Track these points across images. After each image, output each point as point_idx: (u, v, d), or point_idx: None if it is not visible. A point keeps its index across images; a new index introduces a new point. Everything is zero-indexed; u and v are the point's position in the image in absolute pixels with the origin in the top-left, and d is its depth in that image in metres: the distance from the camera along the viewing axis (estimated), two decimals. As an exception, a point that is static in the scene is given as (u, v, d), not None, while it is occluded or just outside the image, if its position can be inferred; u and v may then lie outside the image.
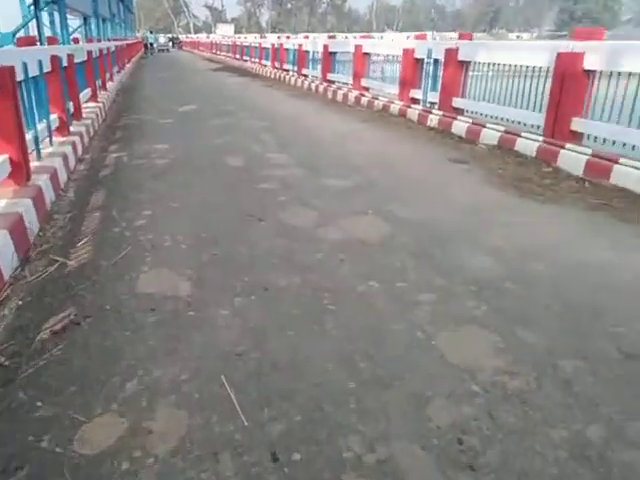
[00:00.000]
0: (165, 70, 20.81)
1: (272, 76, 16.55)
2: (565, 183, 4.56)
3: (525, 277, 2.80)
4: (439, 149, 6.17)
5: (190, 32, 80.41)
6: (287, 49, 15.93)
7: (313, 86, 12.57)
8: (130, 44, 26.54)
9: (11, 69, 3.80)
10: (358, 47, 10.39)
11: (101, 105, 8.85)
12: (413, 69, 8.37)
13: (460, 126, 6.76)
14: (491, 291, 2.64)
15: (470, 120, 6.68)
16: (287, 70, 15.82)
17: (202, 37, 54.42)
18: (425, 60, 8.04)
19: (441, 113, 7.31)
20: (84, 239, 3.48)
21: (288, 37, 19.01)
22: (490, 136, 6.11)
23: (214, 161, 5.64)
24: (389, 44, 9.77)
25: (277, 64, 16.84)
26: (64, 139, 5.72)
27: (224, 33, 70.69)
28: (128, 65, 21.33)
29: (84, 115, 7.35)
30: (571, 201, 4.09)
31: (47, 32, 13.85)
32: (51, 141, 5.29)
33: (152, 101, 11.00)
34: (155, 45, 40.33)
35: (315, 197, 4.32)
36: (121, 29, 36.92)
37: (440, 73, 7.74)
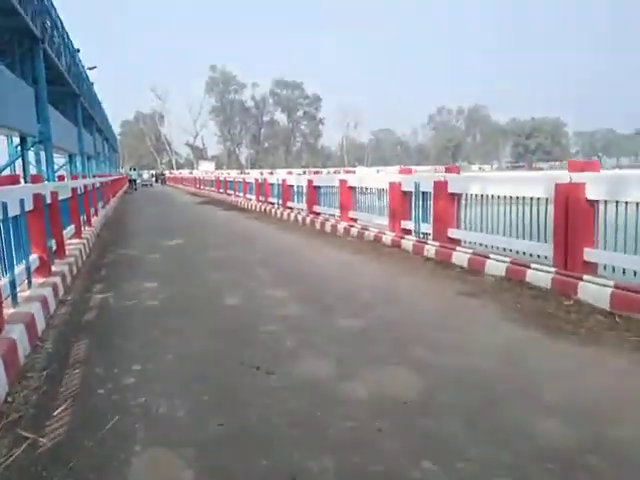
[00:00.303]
0: (151, 205, 21.16)
1: (257, 209, 16.84)
2: (593, 318, 4.24)
3: (611, 448, 2.31)
4: (445, 282, 5.90)
5: (173, 168, 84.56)
6: (271, 183, 16.41)
7: (300, 218, 12.67)
8: (115, 180, 27.33)
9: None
10: (343, 181, 10.64)
11: (85, 241, 8.57)
12: (401, 201, 8.45)
13: (461, 257, 6.60)
14: (579, 472, 2.13)
15: (470, 251, 6.54)
16: (272, 203, 16.14)
17: (185, 173, 57.09)
18: (413, 192, 8.14)
19: (437, 244, 7.20)
20: (62, 406, 2.90)
21: (271, 173, 19.82)
22: (496, 267, 5.92)
23: (208, 300, 5.22)
24: (375, 178, 10.06)
25: (262, 197, 17.24)
26: (44, 280, 5.29)
27: (206, 169, 74.64)
28: (113, 199, 21.67)
29: (67, 252, 7.01)
30: (612, 341, 3.73)
31: (32, 170, 14.06)
32: (30, 283, 4.84)
33: (139, 236, 10.83)
34: (139, 181, 41.79)
35: (327, 341, 3.87)
36: (105, 166, 38.47)
37: (430, 205, 7.80)
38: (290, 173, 16.87)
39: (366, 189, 9.99)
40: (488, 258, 6.18)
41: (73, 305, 5.18)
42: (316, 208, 12.36)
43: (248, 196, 19.41)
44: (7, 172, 15.66)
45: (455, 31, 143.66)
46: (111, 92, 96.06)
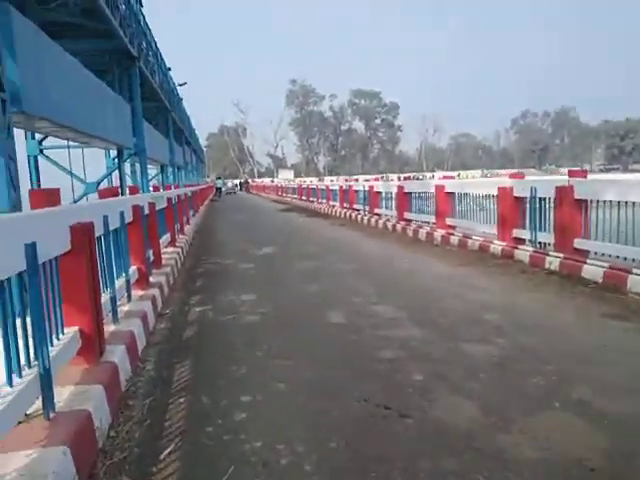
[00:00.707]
0: (237, 212, 21.41)
1: (341, 215, 16.43)
2: None
3: None
4: (579, 300, 5.06)
5: (254, 176, 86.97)
6: (357, 190, 15.94)
7: (389, 225, 12.07)
8: (203, 188, 28.13)
9: (89, 226, 3.21)
10: (440, 187, 9.91)
11: (179, 250, 8.50)
12: (513, 208, 7.61)
13: (593, 271, 5.70)
14: None
15: (606, 264, 5.62)
16: (357, 210, 15.66)
17: (267, 181, 58.29)
18: (528, 198, 7.29)
19: (562, 255, 6.31)
20: (168, 447, 2.52)
21: (357, 179, 19.33)
22: (643, 284, 5.00)
23: (311, 317, 4.76)
24: (480, 183, 9.21)
25: (346, 204, 16.81)
26: (143, 292, 5.09)
27: (285, 177, 76.02)
28: (201, 207, 22.19)
29: (163, 262, 6.88)
30: None
31: (128, 181, 14.55)
32: (129, 297, 4.63)
33: (229, 244, 10.72)
34: (224, 189, 43.06)
35: (462, 375, 3.25)
36: (193, 176, 40.04)
37: (549, 212, 6.93)
38: (378, 179, 16.29)
39: (466, 195, 9.19)
40: (630, 273, 5.25)
41: (172, 320, 4.92)
42: (407, 215, 11.69)
43: (331, 203, 19.07)
44: (105, 183, 16.44)
45: (538, 31, 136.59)
46: (198, 106, 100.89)
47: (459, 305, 4.98)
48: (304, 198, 25.01)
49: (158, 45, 18.89)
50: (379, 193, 13.94)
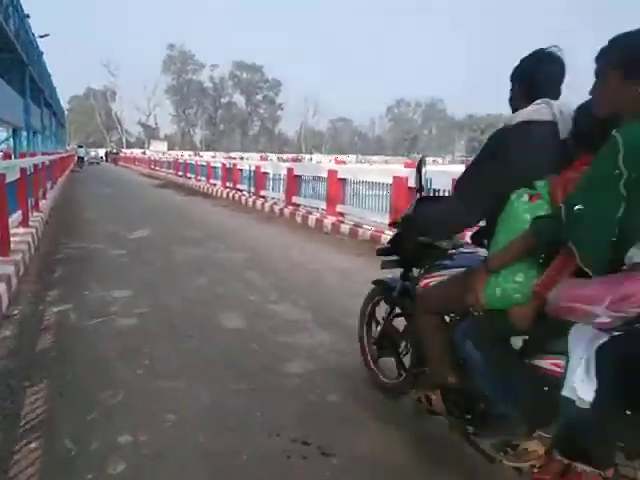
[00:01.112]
0: (103, 186, 19.31)
1: (224, 196, 15.56)
2: None
3: None
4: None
5: (123, 146, 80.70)
6: (241, 169, 15.19)
7: (277, 209, 11.57)
8: (63, 157, 25.13)
9: None
10: (332, 172, 9.64)
11: (33, 230, 7.18)
12: (408, 198, 7.55)
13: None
14: None
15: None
16: (241, 190, 14.94)
17: (137, 152, 54.28)
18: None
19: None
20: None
21: (241, 157, 18.49)
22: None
23: (201, 320, 4.12)
24: (374, 171, 9.06)
25: (229, 184, 15.98)
26: (-17, 289, 4.03)
27: (157, 149, 71.48)
28: (61, 179, 19.73)
29: (12, 247, 5.67)
30: None
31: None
32: (-37, 297, 3.59)
33: (95, 224, 9.40)
34: (86, 159, 39.09)
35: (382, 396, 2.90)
36: (51, 142, 35.66)
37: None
38: (264, 159, 15.68)
39: (359, 182, 9.01)
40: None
41: (21, 324, 3.94)
42: (296, 199, 11.31)
43: (212, 181, 18.08)
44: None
45: (419, 23, 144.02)
46: (60, 64, 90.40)
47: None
48: (180, 174, 23.50)
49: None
50: (266, 174, 13.37)
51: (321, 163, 11.85)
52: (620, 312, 1.36)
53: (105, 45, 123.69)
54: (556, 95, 1.93)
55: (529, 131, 1.87)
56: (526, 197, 1.74)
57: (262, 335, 3.80)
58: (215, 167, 18.25)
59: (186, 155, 41.52)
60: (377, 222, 8.28)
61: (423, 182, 2.54)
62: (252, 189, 13.94)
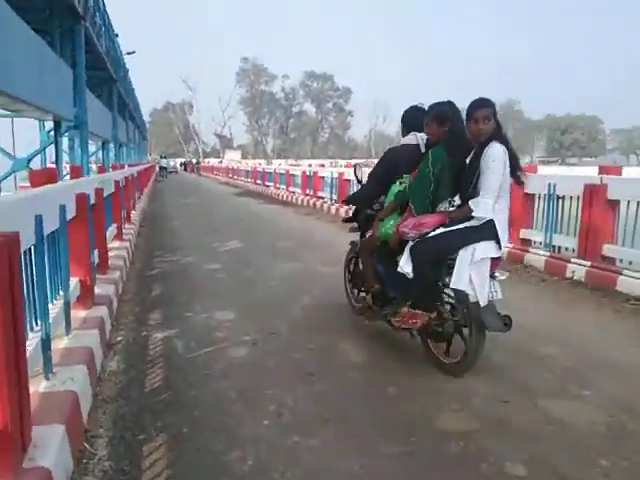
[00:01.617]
0: (185, 195, 19.65)
1: (304, 203, 15.23)
2: None
3: None
4: (631, 322, 4.20)
5: (200, 156, 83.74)
6: (323, 177, 14.77)
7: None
8: (147, 168, 26.04)
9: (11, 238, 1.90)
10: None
11: (127, 244, 7.04)
12: (522, 206, 6.71)
13: (633, 284, 4.86)
14: None
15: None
16: (322, 198, 14.52)
17: (214, 162, 55.90)
18: (541, 196, 6.44)
19: (588, 263, 5.46)
20: None
21: (322, 165, 18.10)
22: None
23: (319, 352, 3.60)
24: None
25: (309, 191, 15.62)
26: (86, 313, 3.73)
27: (232, 157, 73.42)
28: (146, 189, 20.30)
29: (110, 263, 5.47)
30: None
31: (64, 157, 12.72)
32: (68, 327, 3.26)
33: (184, 235, 9.27)
34: (168, 169, 40.81)
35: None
36: (135, 153, 37.33)
37: (568, 211, 6.12)
38: (349, 166, 15.17)
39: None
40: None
41: (126, 354, 3.59)
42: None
43: (291, 189, 17.82)
44: (37, 160, 14.35)
45: (488, 27, 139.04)
46: (142, 79, 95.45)
47: (505, 335, 3.94)
48: (259, 182, 23.56)
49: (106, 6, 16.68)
50: (348, 181, 12.83)
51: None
52: (417, 231, 3.07)
53: (184, 60, 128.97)
54: (420, 129, 3.46)
55: (404, 149, 3.58)
56: (397, 183, 3.49)
57: (411, 390, 3.21)
58: (294, 175, 17.99)
59: (258, 163, 42.22)
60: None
61: (359, 176, 4.29)
62: (334, 196, 13.45)
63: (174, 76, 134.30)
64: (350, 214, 4.42)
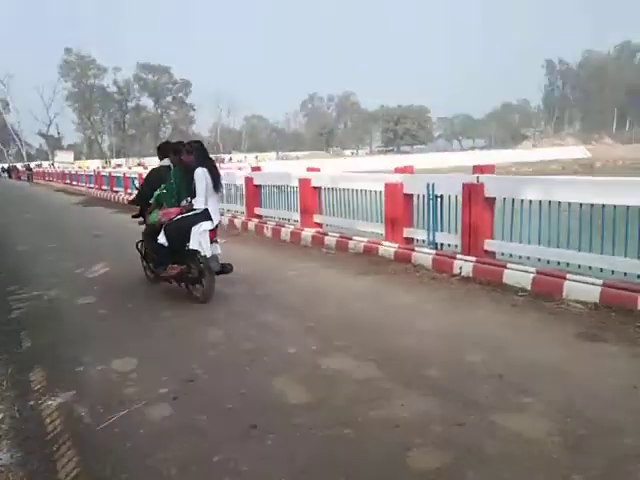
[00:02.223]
0: (21, 209, 17.03)
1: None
2: None
3: None
4: (531, 315, 4.57)
5: (23, 160, 74.22)
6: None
7: (237, 222, 10.60)
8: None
9: None
10: (304, 181, 8.87)
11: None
12: (404, 206, 6.99)
13: (519, 276, 5.32)
14: None
15: (534, 269, 5.29)
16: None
17: (45, 165, 50.05)
18: (424, 195, 6.76)
19: (474, 259, 5.86)
20: None
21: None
22: (584, 291, 4.73)
23: (268, 400, 3.26)
24: (360, 177, 8.32)
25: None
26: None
27: (63, 160, 66.27)
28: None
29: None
30: None
31: None
32: None
33: (38, 262, 7.90)
34: None
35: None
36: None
37: (445, 210, 6.51)
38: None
39: (342, 190, 8.29)
40: (566, 279, 4.96)
41: (15, 439, 2.86)
42: (259, 210, 10.41)
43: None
44: None
45: (324, 17, 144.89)
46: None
47: (427, 345, 4.00)
48: (105, 188, 21.56)
49: None
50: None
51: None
52: (166, 217, 5.19)
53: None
54: (167, 156, 5.77)
55: (161, 169, 5.78)
56: (158, 190, 5.45)
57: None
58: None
59: (102, 166, 38.66)
60: (366, 232, 7.66)
61: (136, 184, 7.67)
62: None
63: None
64: (135, 210, 6.23)
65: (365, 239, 7.48)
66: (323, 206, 8.81)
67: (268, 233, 9.46)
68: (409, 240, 7.01)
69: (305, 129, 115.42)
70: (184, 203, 5.19)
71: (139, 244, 6.14)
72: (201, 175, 5.03)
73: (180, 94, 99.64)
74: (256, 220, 10.16)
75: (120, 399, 3.27)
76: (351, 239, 7.66)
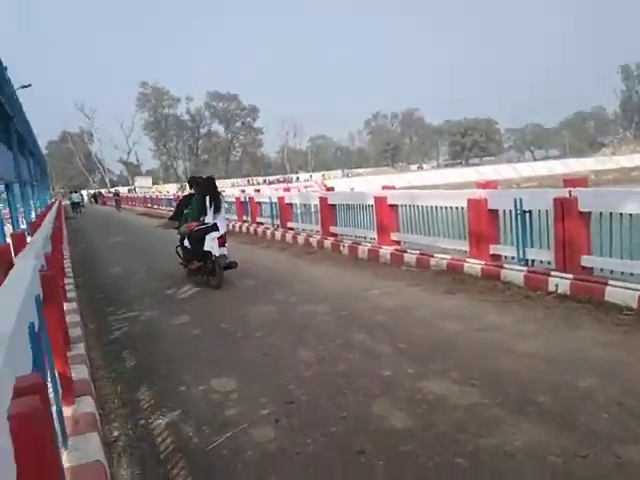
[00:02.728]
0: (108, 233, 18.26)
1: (242, 230, 14.69)
2: None
3: None
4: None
5: (106, 186, 79.54)
6: (260, 202, 14.34)
7: (313, 241, 10.71)
8: (58, 207, 24.01)
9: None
10: (381, 199, 8.82)
11: (75, 304, 6.21)
12: (489, 222, 6.75)
13: (623, 294, 4.96)
14: None
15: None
16: (260, 223, 14.09)
17: (124, 191, 53.19)
18: (506, 212, 6.51)
19: (570, 276, 5.53)
20: None
21: (258, 190, 17.61)
22: None
23: (364, 418, 3.22)
24: (439, 194, 8.17)
25: (245, 217, 15.13)
26: (72, 411, 3.09)
27: (142, 184, 70.31)
28: (65, 233, 18.64)
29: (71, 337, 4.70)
30: None
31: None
32: (65, 441, 2.64)
33: (130, 283, 8.41)
34: (68, 203, 37.70)
35: None
36: (39, 191, 34.50)
37: (535, 225, 6.23)
38: (288, 190, 14.83)
39: (421, 207, 8.15)
40: None
41: (132, 457, 2.99)
42: (334, 229, 10.46)
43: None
44: None
45: (382, 37, 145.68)
46: (34, 111, 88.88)
47: (531, 369, 3.79)
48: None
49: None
50: (291, 205, 12.53)
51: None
52: (189, 229, 7.48)
53: (76, 88, 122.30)
54: (192, 187, 8.17)
55: (188, 195, 8.26)
56: (186, 210, 7.84)
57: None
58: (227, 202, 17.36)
59: (181, 190, 40.53)
60: (447, 249, 7.47)
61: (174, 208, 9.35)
62: (277, 221, 13.07)
63: (68, 105, 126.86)
64: (175, 224, 8.28)
65: (448, 256, 7.30)
66: (400, 223, 8.70)
67: (345, 251, 9.48)
68: (496, 257, 6.75)
69: (369, 146, 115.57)
70: (202, 219, 7.31)
71: (177, 248, 8.14)
72: (207, 201, 7.30)
73: (248, 119, 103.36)
74: (332, 238, 10.23)
75: (223, 420, 3.34)
76: (432, 256, 7.50)
